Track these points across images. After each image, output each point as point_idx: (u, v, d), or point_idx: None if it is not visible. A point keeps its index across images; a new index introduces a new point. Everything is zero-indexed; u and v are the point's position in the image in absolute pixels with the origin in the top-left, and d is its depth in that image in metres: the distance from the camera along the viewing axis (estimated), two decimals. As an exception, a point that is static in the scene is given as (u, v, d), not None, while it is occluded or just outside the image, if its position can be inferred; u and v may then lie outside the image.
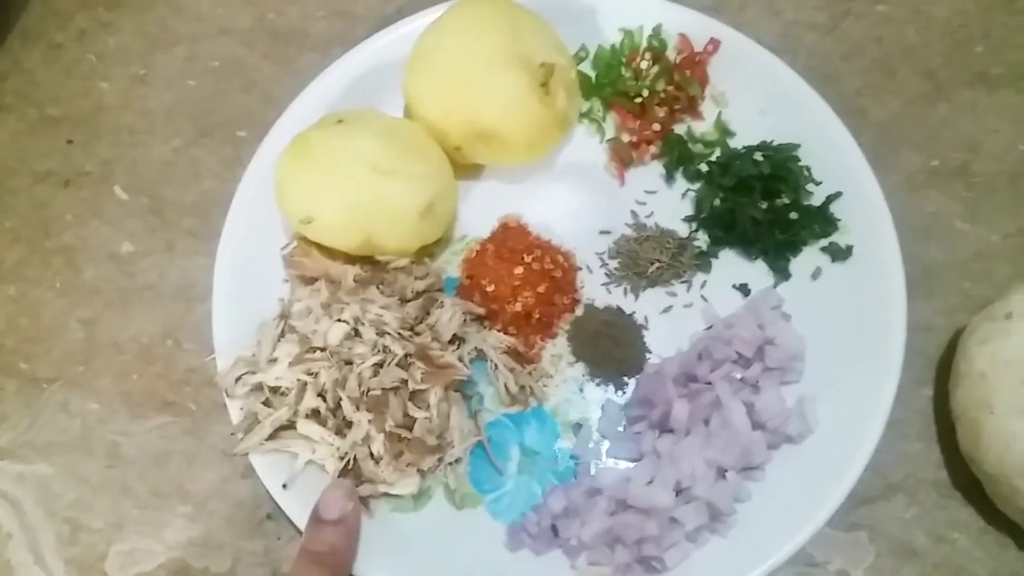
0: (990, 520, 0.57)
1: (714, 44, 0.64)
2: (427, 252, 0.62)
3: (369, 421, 0.54)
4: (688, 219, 0.63)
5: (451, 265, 0.63)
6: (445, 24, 0.60)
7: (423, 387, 0.55)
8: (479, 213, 0.64)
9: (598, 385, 0.59)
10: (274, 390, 0.56)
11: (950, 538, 0.57)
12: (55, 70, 0.71)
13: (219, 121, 0.69)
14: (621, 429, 0.58)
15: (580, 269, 0.62)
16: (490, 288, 0.61)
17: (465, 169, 0.63)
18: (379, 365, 0.56)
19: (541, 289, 0.61)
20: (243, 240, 0.62)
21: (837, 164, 0.61)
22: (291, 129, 0.62)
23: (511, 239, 0.63)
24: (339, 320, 0.56)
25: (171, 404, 0.62)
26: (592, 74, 0.66)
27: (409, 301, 0.59)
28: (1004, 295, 0.57)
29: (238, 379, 0.57)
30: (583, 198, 0.64)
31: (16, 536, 0.59)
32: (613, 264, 0.62)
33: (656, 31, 0.65)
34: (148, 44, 0.71)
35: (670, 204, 0.64)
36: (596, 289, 0.62)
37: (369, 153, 0.57)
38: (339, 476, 0.55)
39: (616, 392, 0.59)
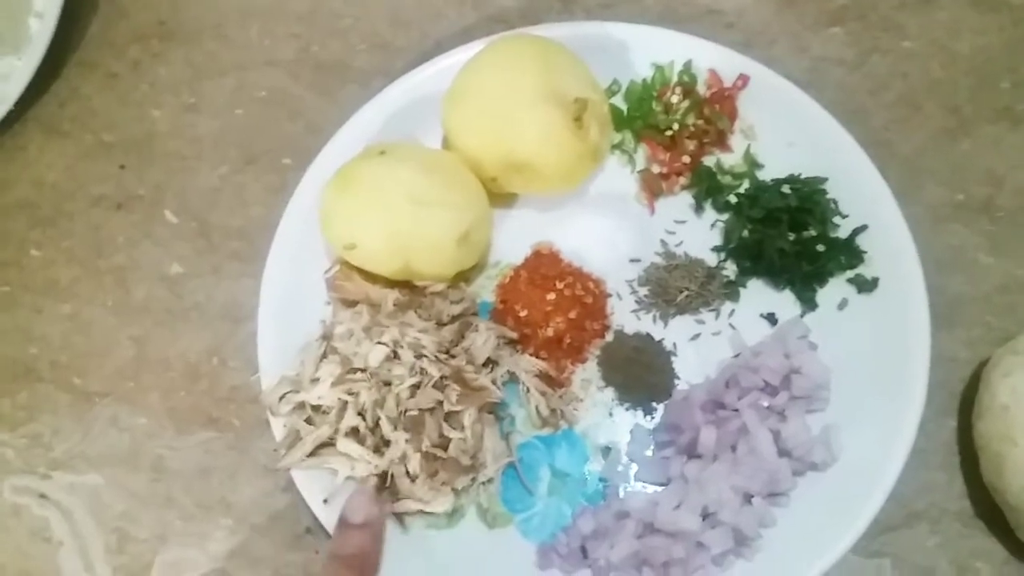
0: (1013, 550, 0.58)
1: (743, 79, 0.66)
2: (463, 277, 0.65)
3: (406, 440, 0.57)
4: (717, 249, 0.65)
5: (485, 290, 0.65)
6: (483, 61, 0.63)
7: (458, 408, 0.58)
8: (513, 240, 0.66)
9: (627, 410, 0.61)
10: (316, 408, 0.59)
11: (973, 567, 0.58)
12: (110, 98, 0.74)
13: (265, 149, 0.72)
14: (649, 453, 0.60)
15: (610, 296, 0.64)
16: (523, 313, 0.63)
17: (500, 197, 0.65)
18: (416, 386, 0.58)
19: (572, 315, 0.63)
20: (288, 263, 0.64)
21: (863, 197, 0.63)
22: (334, 158, 0.65)
23: (544, 266, 0.65)
24: (379, 343, 0.58)
25: (215, 420, 0.64)
26: (624, 107, 0.68)
27: (445, 325, 0.61)
28: (1027, 329, 0.58)
29: (282, 397, 0.59)
30: (614, 227, 0.66)
31: (67, 543, 0.62)
32: (643, 291, 0.64)
33: (687, 66, 0.67)
34: (198, 74, 0.74)
35: (699, 234, 0.65)
36: (626, 316, 0.64)
37: (409, 184, 0.60)
38: (377, 492, 0.57)
39: (645, 417, 0.61)
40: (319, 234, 0.63)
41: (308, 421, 0.59)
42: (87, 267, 0.69)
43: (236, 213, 0.70)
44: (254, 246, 0.68)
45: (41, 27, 0.72)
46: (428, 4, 0.75)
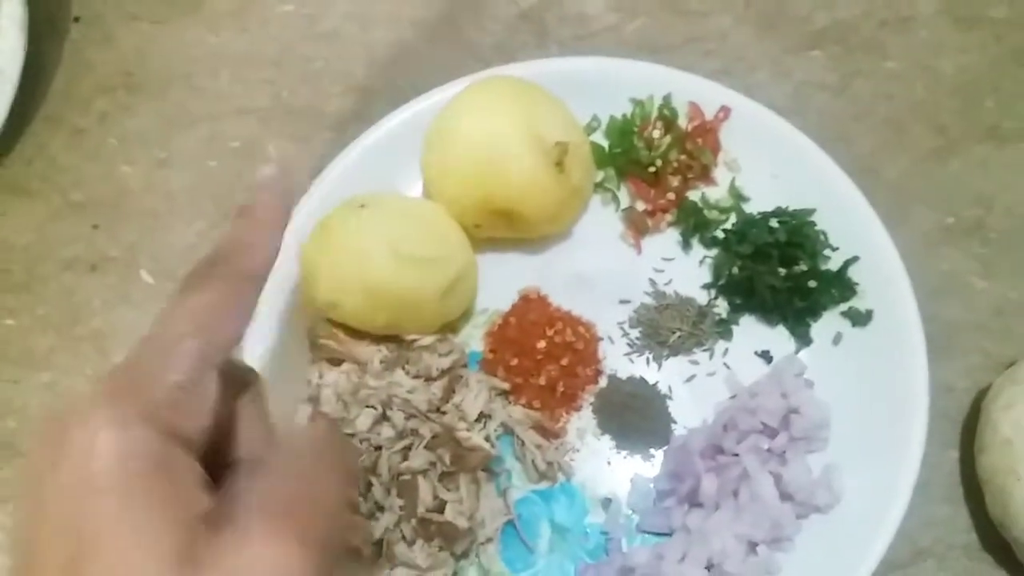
0: (1023, 583, 0.57)
1: (725, 111, 0.65)
2: (450, 327, 0.63)
3: (400, 507, 0.55)
4: (707, 286, 0.64)
5: (473, 339, 0.64)
6: (460, 107, 0.61)
7: (452, 470, 0.56)
8: (499, 286, 0.64)
9: (625, 458, 0.60)
10: (306, 476, 0.57)
11: (982, 602, 0.57)
12: (78, 155, 0.72)
13: (241, 201, 0.69)
14: (651, 503, 0.58)
15: (602, 340, 0.63)
16: (514, 362, 0.62)
17: (484, 242, 0.64)
18: (408, 449, 0.56)
19: (564, 362, 0.61)
20: (270, 323, 0.63)
21: (852, 228, 0.62)
22: (313, 210, 0.63)
23: (532, 312, 0.63)
24: (368, 406, 0.57)
25: (204, 487, 0.63)
26: (605, 144, 0.67)
27: (434, 380, 0.60)
28: (1026, 357, 0.58)
29: (270, 466, 0.58)
30: (601, 267, 0.65)
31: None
32: (634, 334, 0.63)
33: (666, 100, 0.66)
34: (168, 126, 0.72)
35: (688, 271, 0.64)
36: (619, 359, 0.63)
37: (390, 239, 0.58)
38: (373, 559, 0.56)
39: (643, 463, 0.60)
40: (301, 290, 0.61)
41: (299, 489, 0.57)
42: (63, 334, 0.67)
43: (214, 270, 0.68)
44: (234, 304, 0.66)
45: (2, 85, 0.70)
46: (401, 43, 0.74)
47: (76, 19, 0.76)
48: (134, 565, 0.29)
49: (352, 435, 0.56)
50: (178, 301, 0.36)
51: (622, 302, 0.64)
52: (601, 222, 0.66)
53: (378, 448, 0.56)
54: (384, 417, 0.57)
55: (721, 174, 0.66)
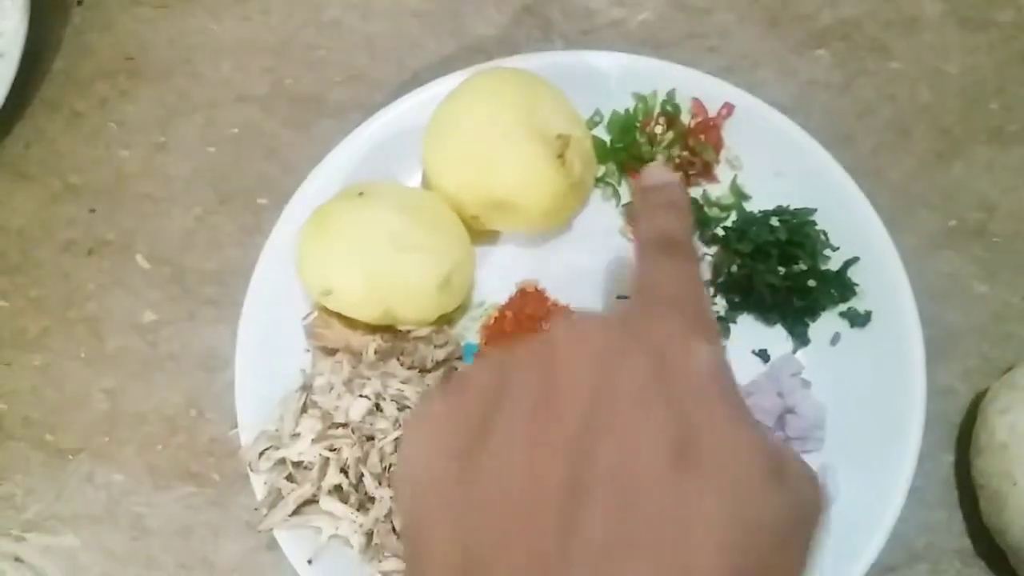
0: (1015, 589, 0.57)
1: (728, 108, 0.65)
2: (446, 319, 0.63)
3: (391, 497, 0.55)
4: (705, 283, 0.63)
5: (469, 331, 0.63)
6: (462, 96, 0.61)
7: (445, 462, 0.56)
8: (497, 279, 0.64)
9: (618, 455, 0.60)
10: (297, 465, 0.57)
11: (975, 607, 0.57)
12: (77, 139, 0.72)
13: (239, 188, 0.69)
14: (642, 501, 0.58)
15: (598, 335, 0.63)
16: (509, 356, 0.61)
17: (482, 235, 0.64)
18: (400, 439, 0.56)
19: (560, 356, 0.61)
20: (264, 309, 0.62)
21: (854, 228, 0.61)
22: (311, 198, 0.63)
23: (529, 305, 0.63)
24: (361, 396, 0.57)
25: (195, 475, 0.62)
26: (607, 138, 0.66)
27: (429, 371, 0.60)
28: (1024, 362, 0.57)
29: (262, 454, 0.58)
30: (600, 262, 0.64)
31: (44, 610, 0.60)
32: (631, 330, 0.63)
33: (670, 96, 0.66)
34: (168, 111, 0.72)
35: (687, 268, 0.64)
36: (615, 356, 0.62)
37: (388, 228, 0.58)
38: (362, 551, 0.55)
39: (636, 461, 0.59)
40: (297, 278, 0.61)
41: (289, 478, 0.57)
42: (57, 317, 0.67)
43: (211, 256, 0.68)
44: (230, 291, 0.66)
45: (3, 68, 0.69)
46: (405, 34, 0.73)
47: (79, 2, 0.76)
48: None
49: (344, 424, 0.56)
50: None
51: (620, 298, 0.63)
52: (601, 217, 0.65)
53: (370, 438, 0.56)
54: (377, 407, 0.56)
55: (723, 171, 0.65)
